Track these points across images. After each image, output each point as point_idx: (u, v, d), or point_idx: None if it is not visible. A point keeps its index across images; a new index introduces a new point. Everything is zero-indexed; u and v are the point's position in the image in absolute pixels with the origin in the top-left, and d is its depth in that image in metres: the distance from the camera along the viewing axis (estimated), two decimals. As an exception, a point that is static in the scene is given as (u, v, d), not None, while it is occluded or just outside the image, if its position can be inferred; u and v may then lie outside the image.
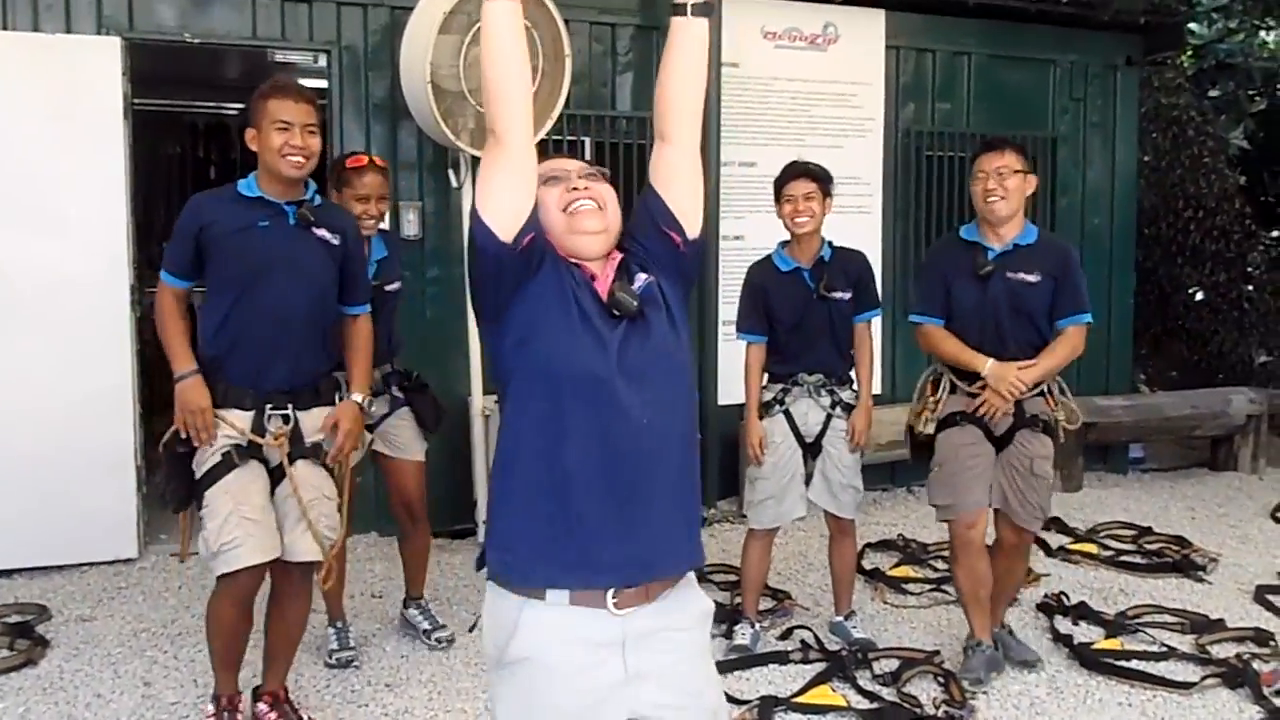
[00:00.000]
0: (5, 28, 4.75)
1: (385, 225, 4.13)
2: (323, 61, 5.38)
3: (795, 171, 3.95)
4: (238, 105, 8.89)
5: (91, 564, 4.85)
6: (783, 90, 6.04)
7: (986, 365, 3.71)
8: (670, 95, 1.97)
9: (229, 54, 6.29)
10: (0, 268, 4.67)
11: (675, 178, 1.99)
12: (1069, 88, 6.84)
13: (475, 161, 4.89)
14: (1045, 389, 3.81)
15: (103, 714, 3.50)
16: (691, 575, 1.99)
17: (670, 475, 1.91)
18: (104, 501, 4.85)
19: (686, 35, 1.95)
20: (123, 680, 3.76)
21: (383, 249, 3.97)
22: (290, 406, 3.18)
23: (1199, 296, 7.96)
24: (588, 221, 1.93)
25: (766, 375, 4.06)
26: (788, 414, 3.99)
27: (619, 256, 1.98)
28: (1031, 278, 3.70)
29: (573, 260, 1.93)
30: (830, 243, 4.03)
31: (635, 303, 1.90)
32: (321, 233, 3.22)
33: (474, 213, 1.85)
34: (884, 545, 5.26)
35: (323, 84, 5.30)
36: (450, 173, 5.19)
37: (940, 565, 4.91)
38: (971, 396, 3.78)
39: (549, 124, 5.00)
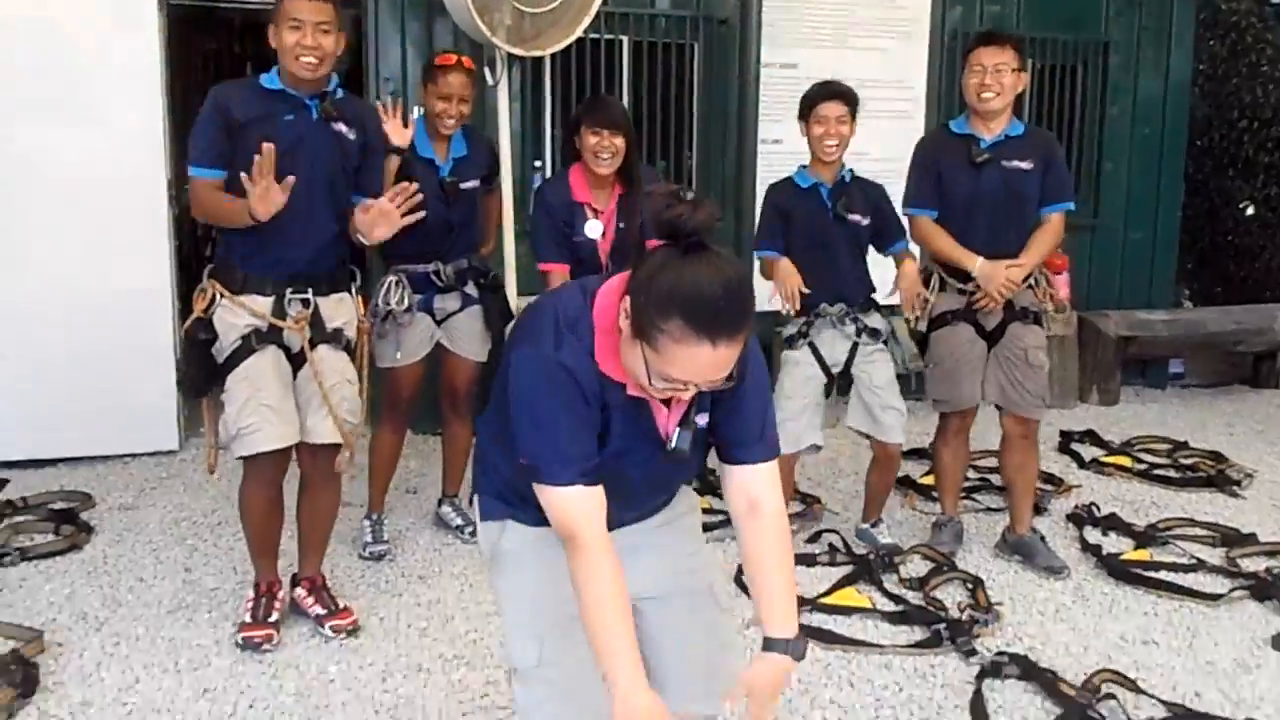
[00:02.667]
0: (41, -83, 4.70)
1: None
2: (358, -44, 5.29)
3: (829, 92, 3.83)
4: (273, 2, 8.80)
5: (134, 455, 4.96)
6: (826, -10, 5.89)
7: (976, 264, 3.78)
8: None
9: (265, -53, 6.20)
10: (38, 163, 4.69)
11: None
12: (1124, -9, 6.61)
13: (511, 58, 4.84)
14: (1034, 280, 3.89)
15: (145, 597, 3.61)
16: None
17: (666, 490, 2.08)
18: (145, 395, 4.94)
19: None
20: (164, 566, 3.87)
21: (462, 147, 3.96)
22: (309, 291, 3.20)
23: (1249, 211, 7.75)
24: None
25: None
26: (812, 346, 3.97)
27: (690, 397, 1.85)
28: (1025, 165, 3.79)
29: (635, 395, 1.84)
30: (851, 170, 3.96)
31: (687, 449, 1.88)
32: (340, 126, 3.21)
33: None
34: (915, 453, 5.25)
35: (358, -21, 5.22)
36: (485, 70, 5.10)
37: (971, 474, 4.91)
38: (962, 294, 3.85)
39: (585, 22, 4.90)
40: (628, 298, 1.70)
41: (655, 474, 1.95)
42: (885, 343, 3.96)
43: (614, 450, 1.84)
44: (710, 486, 4.76)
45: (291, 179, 3.00)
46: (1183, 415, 6.31)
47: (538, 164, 5.62)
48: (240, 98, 3.14)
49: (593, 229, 3.80)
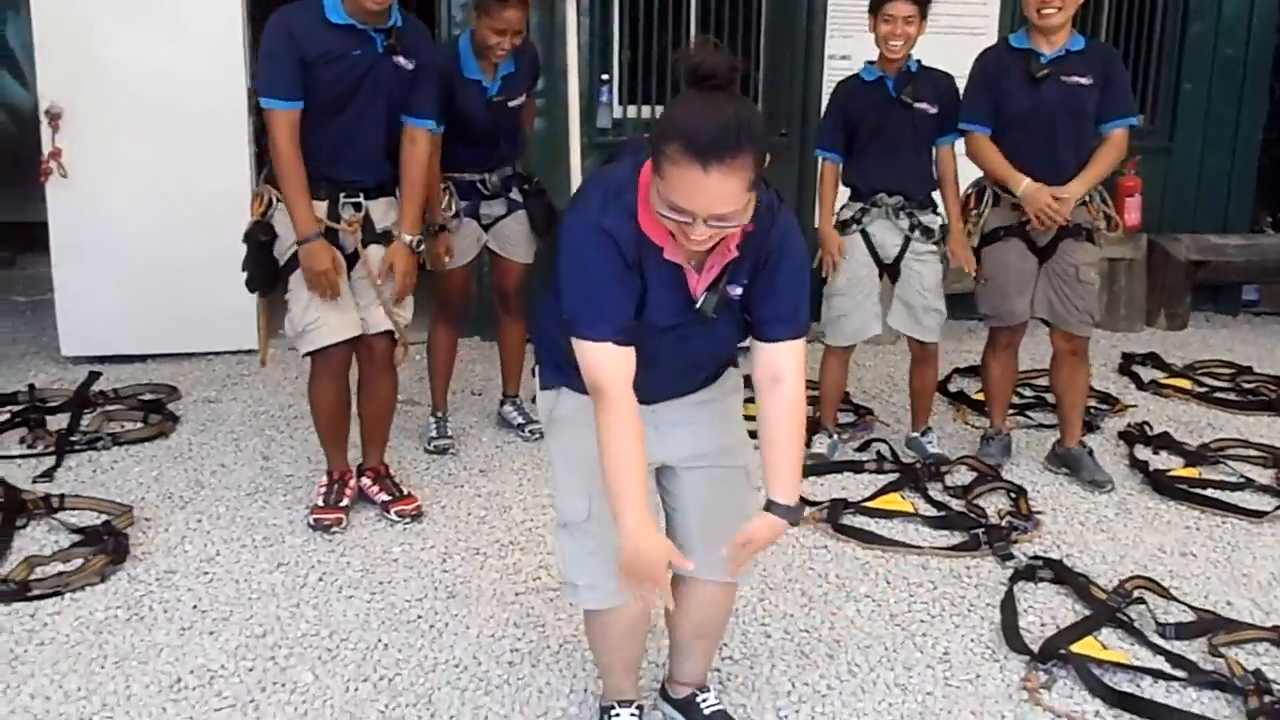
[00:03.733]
0: None
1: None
2: None
3: None
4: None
5: (216, 353, 5.21)
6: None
7: (1021, 186, 3.79)
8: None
9: None
10: (127, 71, 4.87)
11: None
12: (1212, -97, 6.38)
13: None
14: (1088, 197, 3.87)
15: (225, 481, 3.86)
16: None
17: (701, 369, 2.20)
18: (227, 296, 5.05)
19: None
20: (244, 454, 4.11)
21: (510, 65, 4.01)
22: (361, 196, 3.36)
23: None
24: (690, 249, 1.94)
25: (848, 192, 4.09)
26: (865, 234, 4.03)
27: (727, 258, 1.99)
28: (1085, 80, 3.76)
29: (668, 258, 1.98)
30: (919, 60, 3.98)
31: (712, 312, 2.02)
32: (399, 59, 3.31)
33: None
34: (972, 371, 5.29)
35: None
36: (555, -17, 5.19)
37: (1026, 392, 4.95)
38: (1015, 209, 3.87)
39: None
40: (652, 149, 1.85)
41: (692, 344, 2.10)
42: (937, 243, 4.02)
43: (651, 315, 1.99)
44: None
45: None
46: (1251, 342, 6.23)
47: (604, 78, 5.68)
48: (308, 30, 3.20)
49: None
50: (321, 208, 3.32)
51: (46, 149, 4.86)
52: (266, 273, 3.38)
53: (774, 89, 5.95)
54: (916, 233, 4.00)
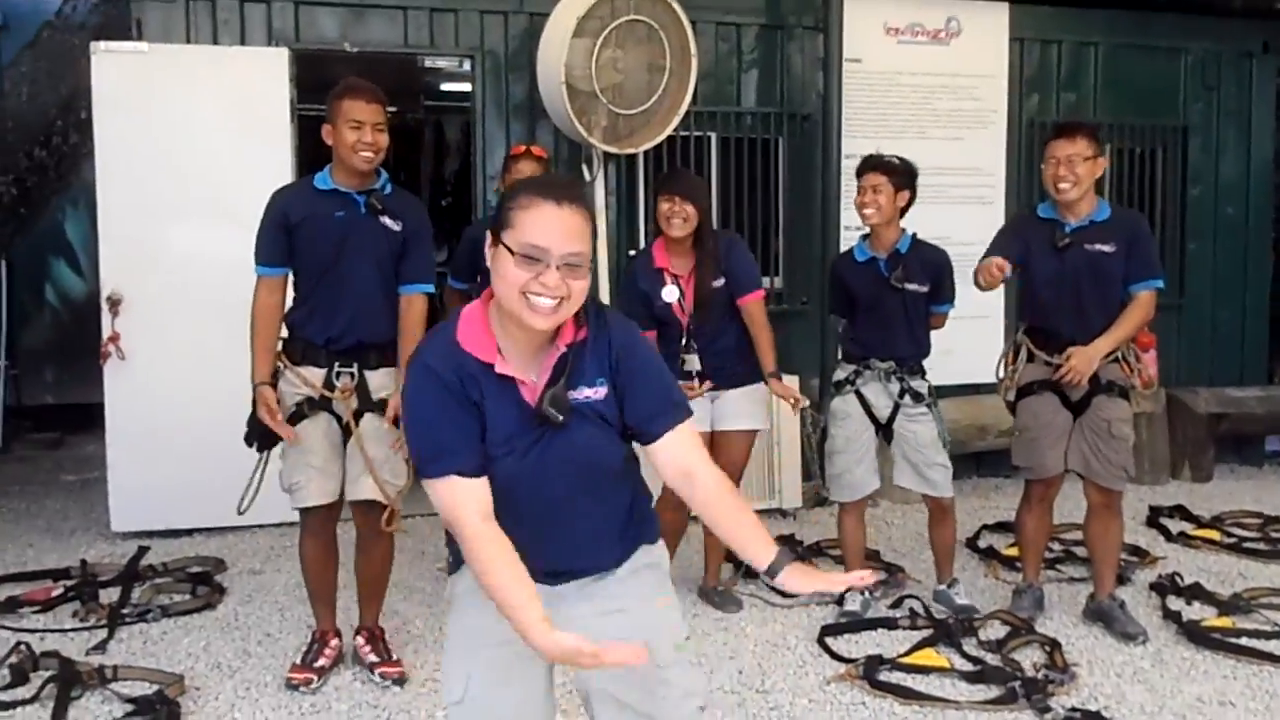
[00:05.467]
0: (189, 41, 5.31)
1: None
2: (467, 66, 5.81)
3: (868, 164, 4.15)
4: (390, 109, 9.45)
5: (260, 525, 5.33)
6: (905, 84, 6.19)
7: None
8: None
9: (383, 61, 6.75)
10: (186, 262, 5.19)
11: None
12: (1201, 76, 6.76)
13: (607, 156, 5.24)
14: (1120, 355, 4.00)
15: (272, 649, 3.95)
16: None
17: (592, 509, 2.06)
18: (269, 474, 5.32)
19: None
20: (288, 622, 4.21)
21: None
22: (356, 365, 3.59)
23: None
24: (539, 317, 1.92)
25: (841, 355, 4.29)
26: (859, 394, 4.20)
27: (560, 351, 1.98)
28: (1108, 248, 3.92)
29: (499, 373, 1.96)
30: (913, 235, 4.20)
31: (556, 415, 1.96)
32: (386, 220, 3.60)
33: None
34: (1001, 527, 5.36)
35: (467, 87, 5.70)
36: (584, 167, 5.52)
37: (1056, 547, 5.00)
38: (1048, 365, 3.99)
39: (675, 121, 5.28)
40: (490, 233, 1.97)
41: (558, 477, 2.00)
42: (928, 406, 4.17)
43: (504, 440, 1.96)
44: (797, 556, 4.95)
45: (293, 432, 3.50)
46: (1278, 491, 6.28)
47: (632, 253, 5.98)
48: (295, 198, 3.59)
49: (669, 293, 4.17)
50: (319, 375, 3.55)
51: (106, 333, 5.14)
52: (263, 433, 3.60)
53: (793, 258, 6.22)
54: (906, 397, 4.17)
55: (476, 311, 2.01)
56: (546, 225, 1.90)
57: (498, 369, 1.96)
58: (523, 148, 4.54)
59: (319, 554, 3.70)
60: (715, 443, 4.13)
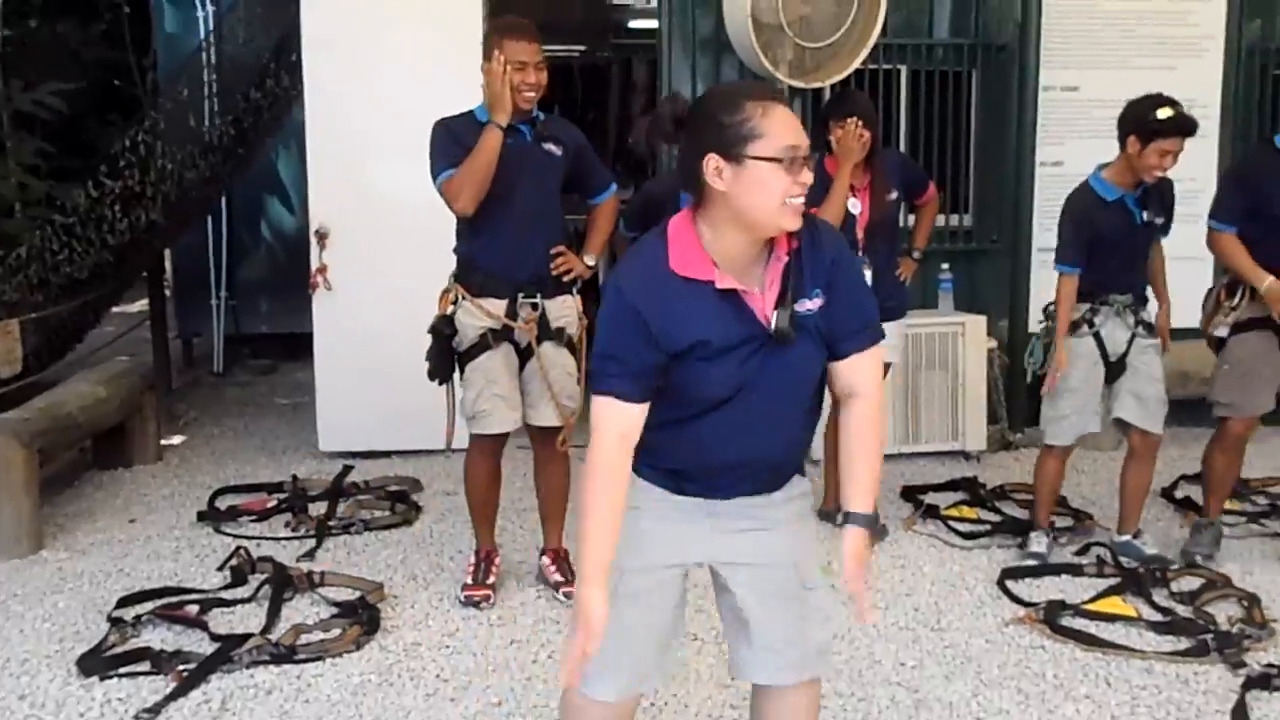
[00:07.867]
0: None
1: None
2: (654, 1, 5.80)
3: (1178, 128, 3.76)
4: (579, 48, 9.59)
5: (456, 450, 5.60)
6: (1109, 10, 5.87)
7: (1265, 284, 3.79)
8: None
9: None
10: (383, 197, 5.44)
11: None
12: None
13: (792, 91, 5.18)
14: None
15: (463, 565, 4.14)
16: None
17: (792, 420, 2.08)
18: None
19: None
20: (478, 541, 4.44)
21: None
22: (538, 295, 3.68)
23: None
24: (795, 218, 1.94)
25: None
26: (1096, 335, 4.04)
27: (782, 260, 1.99)
28: None
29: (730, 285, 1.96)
30: None
31: (789, 329, 1.96)
32: (549, 146, 3.69)
33: None
34: (1195, 478, 5.11)
35: (653, 23, 5.71)
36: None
37: (1260, 500, 4.76)
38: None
39: (863, 54, 5.18)
40: (711, 155, 1.92)
41: (771, 386, 2.00)
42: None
43: (719, 349, 1.95)
44: (979, 499, 4.89)
45: None
46: None
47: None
48: (464, 128, 3.65)
49: (853, 205, 4.18)
50: (501, 306, 3.67)
51: (314, 265, 5.47)
52: (447, 364, 3.76)
53: (984, 195, 6.03)
54: (1140, 328, 4.03)
55: (685, 233, 1.99)
56: (792, 124, 1.94)
57: (718, 284, 1.95)
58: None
59: (489, 477, 3.87)
60: None
